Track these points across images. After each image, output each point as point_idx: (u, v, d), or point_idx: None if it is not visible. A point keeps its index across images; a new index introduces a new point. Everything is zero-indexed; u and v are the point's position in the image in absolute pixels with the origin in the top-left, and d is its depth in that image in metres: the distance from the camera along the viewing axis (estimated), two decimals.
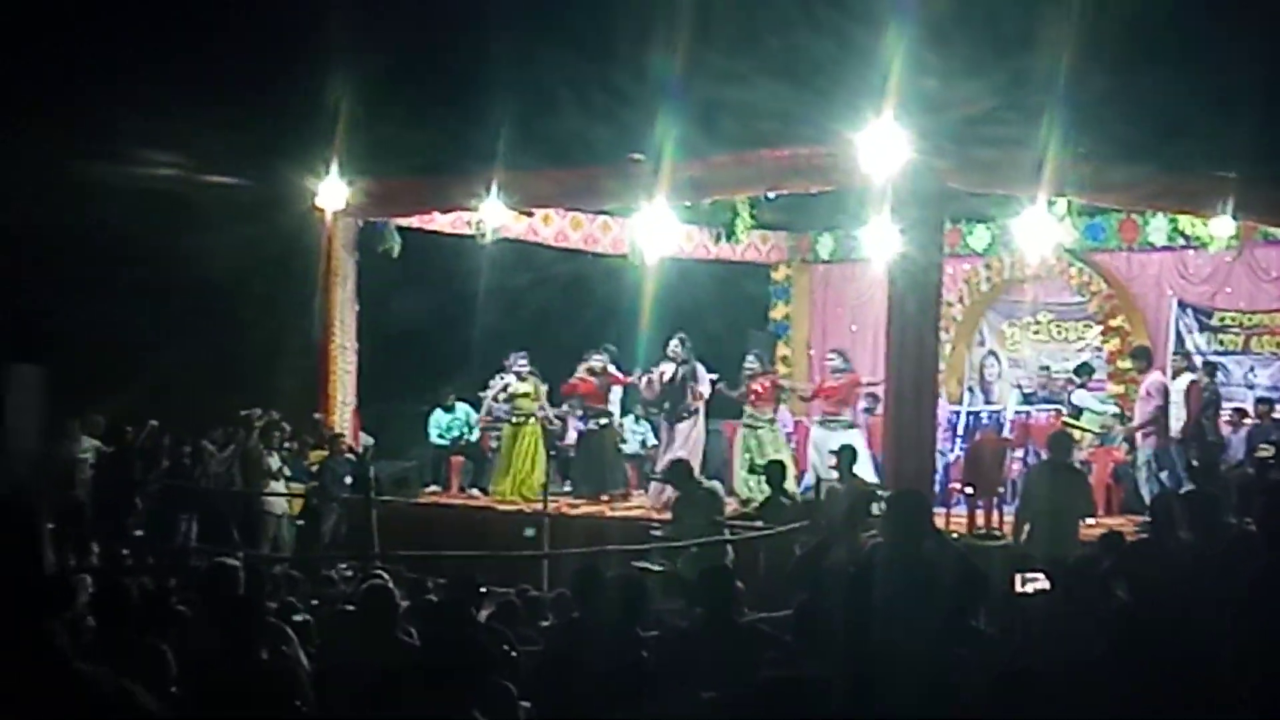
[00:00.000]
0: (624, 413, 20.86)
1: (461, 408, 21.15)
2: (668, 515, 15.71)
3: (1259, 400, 18.72)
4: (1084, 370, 19.26)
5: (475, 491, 20.49)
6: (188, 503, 18.64)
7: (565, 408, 20.48)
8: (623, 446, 20.48)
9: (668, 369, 18.92)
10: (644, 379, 19.36)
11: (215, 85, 21.81)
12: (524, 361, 19.76)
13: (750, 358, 19.51)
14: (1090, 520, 14.68)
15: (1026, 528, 13.88)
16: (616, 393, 20.31)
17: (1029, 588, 10.54)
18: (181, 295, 23.21)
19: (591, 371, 19.76)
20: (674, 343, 18.97)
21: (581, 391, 19.90)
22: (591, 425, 19.89)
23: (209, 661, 7.93)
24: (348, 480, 18.61)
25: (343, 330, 19.94)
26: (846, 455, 15.32)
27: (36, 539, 3.52)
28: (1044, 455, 14.74)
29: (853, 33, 16.43)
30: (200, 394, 21.72)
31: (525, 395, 19.60)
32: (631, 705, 7.75)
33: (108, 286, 23.00)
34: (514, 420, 19.62)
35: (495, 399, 20.36)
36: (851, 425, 18.42)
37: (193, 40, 22.26)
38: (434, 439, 21.22)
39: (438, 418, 21.18)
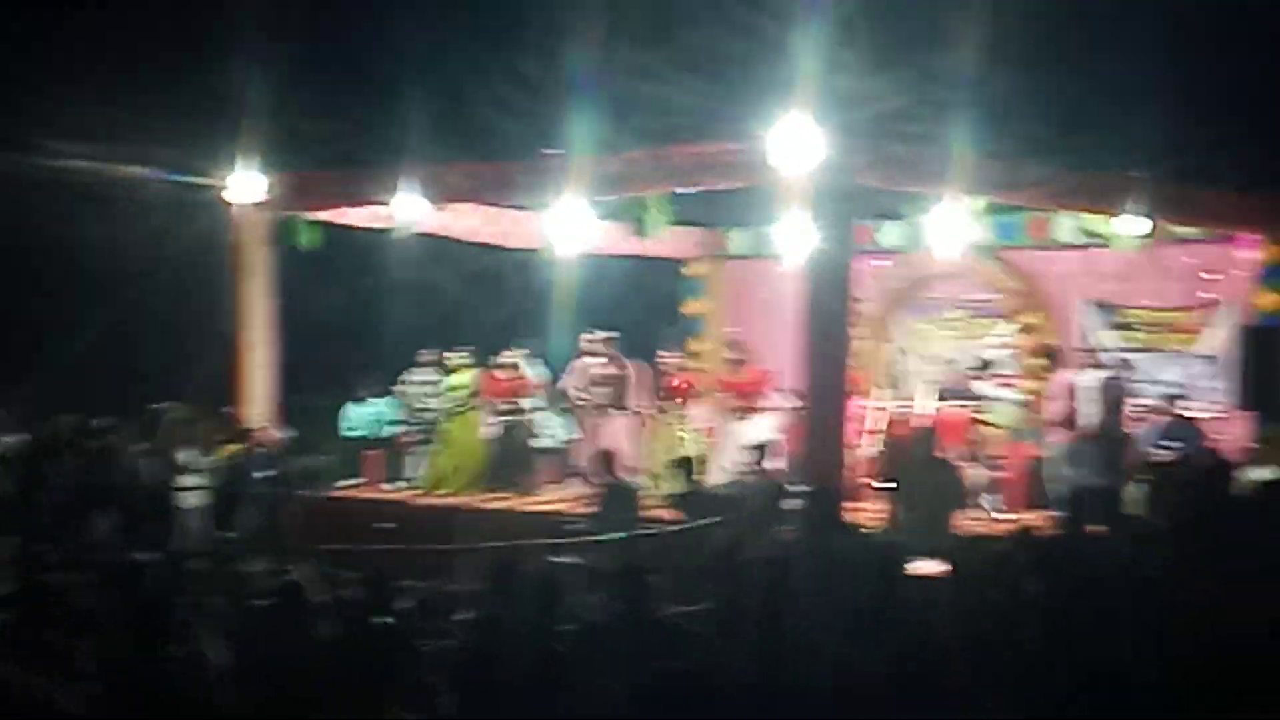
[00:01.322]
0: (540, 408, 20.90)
1: (378, 402, 21.11)
2: (585, 509, 15.78)
3: (1166, 397, 18.94)
4: (982, 366, 19.50)
5: (390, 485, 20.50)
6: (97, 498, 18.46)
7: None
8: (533, 441, 20.47)
9: (597, 363, 18.93)
10: (574, 374, 19.32)
11: (125, 74, 21.65)
12: (465, 353, 19.88)
13: (670, 352, 19.67)
14: (959, 511, 14.91)
15: (901, 518, 14.17)
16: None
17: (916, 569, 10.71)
18: (90, 288, 23.02)
19: (502, 368, 19.86)
20: (604, 335, 19.04)
21: (494, 390, 19.94)
22: (503, 420, 19.94)
23: (121, 659, 7.89)
24: (260, 475, 18.49)
25: (256, 324, 19.78)
26: (759, 450, 15.41)
27: None
28: (915, 448, 14.95)
29: (765, 29, 16.54)
30: (110, 387, 21.55)
31: (464, 386, 19.75)
32: (548, 699, 7.77)
33: (11, 277, 22.81)
34: (457, 410, 19.69)
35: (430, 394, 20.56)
36: (760, 413, 18.43)
37: (101, 28, 22.10)
38: (345, 433, 21.17)
39: (351, 411, 21.12)
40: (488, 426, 20.14)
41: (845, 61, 15.59)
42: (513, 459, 19.84)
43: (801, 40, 14.78)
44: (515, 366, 19.91)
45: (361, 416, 21.09)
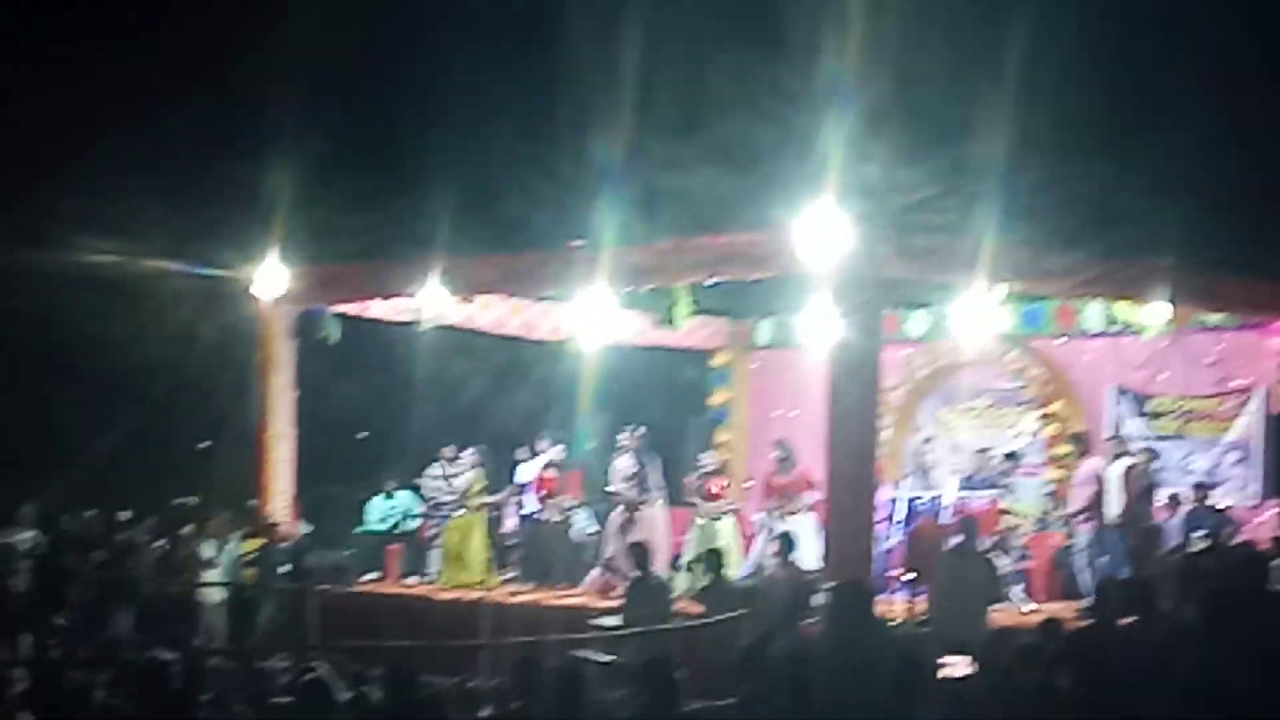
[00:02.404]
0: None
1: (401, 495, 21.03)
2: (610, 603, 15.66)
3: (1195, 485, 18.75)
4: (1011, 457, 19.37)
5: (413, 580, 20.36)
6: (121, 594, 18.41)
7: (503, 495, 20.38)
8: (564, 536, 20.37)
9: (625, 462, 18.87)
10: (615, 476, 19.25)
11: (151, 170, 21.75)
12: (473, 454, 19.85)
13: (709, 455, 19.67)
14: (997, 606, 14.72)
15: (933, 611, 14.02)
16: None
17: (950, 672, 10.60)
18: (116, 382, 23.05)
19: (553, 466, 19.88)
20: (634, 433, 18.98)
21: (546, 487, 19.91)
22: (546, 515, 19.87)
23: None
24: (284, 569, 18.40)
25: (279, 417, 19.78)
26: (784, 544, 15.31)
27: None
28: (952, 541, 14.79)
29: (792, 120, 16.52)
30: (134, 482, 21.54)
31: (479, 488, 19.69)
32: None
33: (35, 371, 22.86)
34: (463, 511, 19.64)
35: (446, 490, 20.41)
36: (804, 511, 18.32)
37: (129, 125, 22.22)
38: (372, 526, 21.08)
39: (376, 505, 21.05)
40: (520, 520, 20.11)
41: (871, 151, 15.54)
42: (544, 553, 19.72)
43: (828, 131, 14.78)
44: (560, 465, 19.90)
45: (384, 510, 21.02)
